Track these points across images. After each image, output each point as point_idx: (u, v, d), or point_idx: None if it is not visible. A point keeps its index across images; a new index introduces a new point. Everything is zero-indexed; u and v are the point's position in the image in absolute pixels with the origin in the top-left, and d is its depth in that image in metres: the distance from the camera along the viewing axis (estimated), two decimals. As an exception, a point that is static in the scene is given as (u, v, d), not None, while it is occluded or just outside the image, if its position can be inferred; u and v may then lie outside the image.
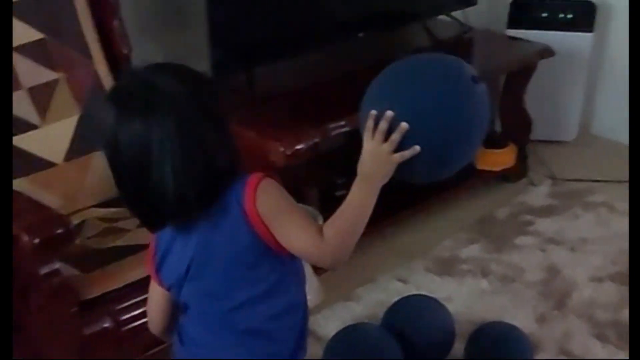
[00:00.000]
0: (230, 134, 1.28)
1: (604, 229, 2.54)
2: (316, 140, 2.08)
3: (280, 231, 1.26)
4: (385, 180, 1.30)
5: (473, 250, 2.45)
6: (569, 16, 2.91)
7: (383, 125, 1.26)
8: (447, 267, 2.37)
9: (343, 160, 2.58)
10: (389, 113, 1.26)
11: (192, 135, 1.21)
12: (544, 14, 2.92)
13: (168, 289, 1.36)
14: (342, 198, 2.67)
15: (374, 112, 1.28)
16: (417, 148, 1.26)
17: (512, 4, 2.94)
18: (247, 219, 1.25)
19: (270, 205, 1.26)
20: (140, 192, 1.23)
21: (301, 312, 1.37)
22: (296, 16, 2.32)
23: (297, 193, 2.37)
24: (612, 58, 3.06)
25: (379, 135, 1.27)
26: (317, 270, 1.81)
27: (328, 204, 2.43)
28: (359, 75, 2.44)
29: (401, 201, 2.54)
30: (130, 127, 1.20)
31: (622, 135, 3.08)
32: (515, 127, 2.82)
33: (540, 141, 3.00)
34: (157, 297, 1.40)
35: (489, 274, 2.33)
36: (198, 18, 2.13)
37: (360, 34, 2.48)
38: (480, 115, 1.33)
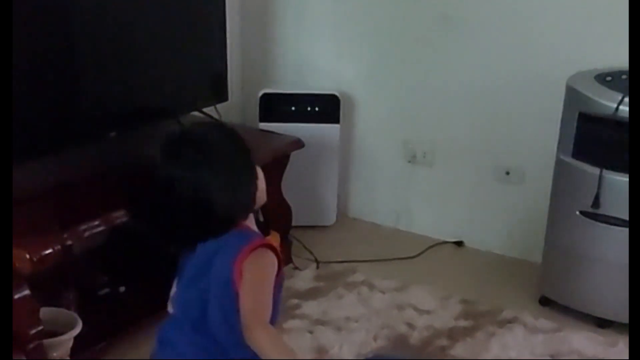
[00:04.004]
0: (255, 183, 1.63)
1: (364, 306, 2.66)
2: (69, 242, 2.01)
3: (242, 292, 1.54)
4: None
5: (244, 340, 2.45)
6: (317, 109, 3.09)
7: None
8: None
9: (105, 259, 2.55)
10: None
11: (229, 176, 1.57)
12: (293, 108, 3.08)
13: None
14: (105, 297, 2.59)
15: None
16: None
17: (261, 99, 3.08)
18: (232, 267, 1.55)
19: (251, 270, 1.55)
20: (182, 218, 1.58)
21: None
22: (41, 116, 2.26)
23: (55, 296, 2.29)
24: (357, 145, 3.29)
25: None
26: None
27: (90, 305, 2.37)
28: (112, 174, 2.43)
29: (168, 295, 2.50)
30: (183, 169, 1.56)
31: (375, 216, 3.31)
32: (276, 216, 2.91)
33: (302, 227, 3.11)
34: None
35: None
36: None
37: (112, 133, 2.46)
38: None
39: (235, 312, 1.56)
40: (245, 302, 1.54)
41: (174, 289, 1.72)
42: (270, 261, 1.59)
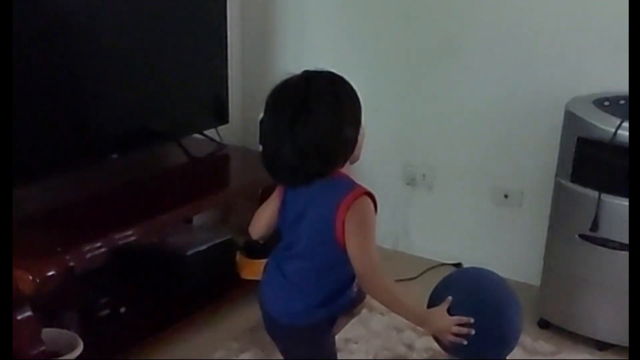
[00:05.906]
0: (357, 133, 1.72)
1: (364, 328, 2.66)
2: (71, 264, 2.01)
3: (351, 242, 1.65)
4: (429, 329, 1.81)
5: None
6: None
7: (464, 329, 1.75)
8: (219, 380, 2.35)
9: (105, 280, 2.55)
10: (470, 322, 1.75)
11: (333, 123, 1.66)
12: (293, 130, 3.09)
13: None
14: (106, 318, 2.59)
15: (472, 320, 1.75)
16: (471, 320, 1.74)
17: (261, 122, 3.08)
18: (334, 213, 1.64)
19: (355, 221, 1.64)
20: (284, 157, 1.65)
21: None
22: (43, 138, 2.27)
23: (56, 317, 2.29)
24: (357, 167, 3.27)
25: (457, 329, 1.74)
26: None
27: (91, 325, 2.38)
28: (114, 195, 2.45)
29: (169, 316, 2.52)
30: (292, 106, 1.65)
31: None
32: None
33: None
34: (270, 209, 1.84)
35: (260, 382, 2.34)
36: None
37: (114, 155, 2.47)
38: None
39: (333, 252, 1.68)
40: (358, 253, 1.65)
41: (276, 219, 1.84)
42: (371, 209, 1.68)
